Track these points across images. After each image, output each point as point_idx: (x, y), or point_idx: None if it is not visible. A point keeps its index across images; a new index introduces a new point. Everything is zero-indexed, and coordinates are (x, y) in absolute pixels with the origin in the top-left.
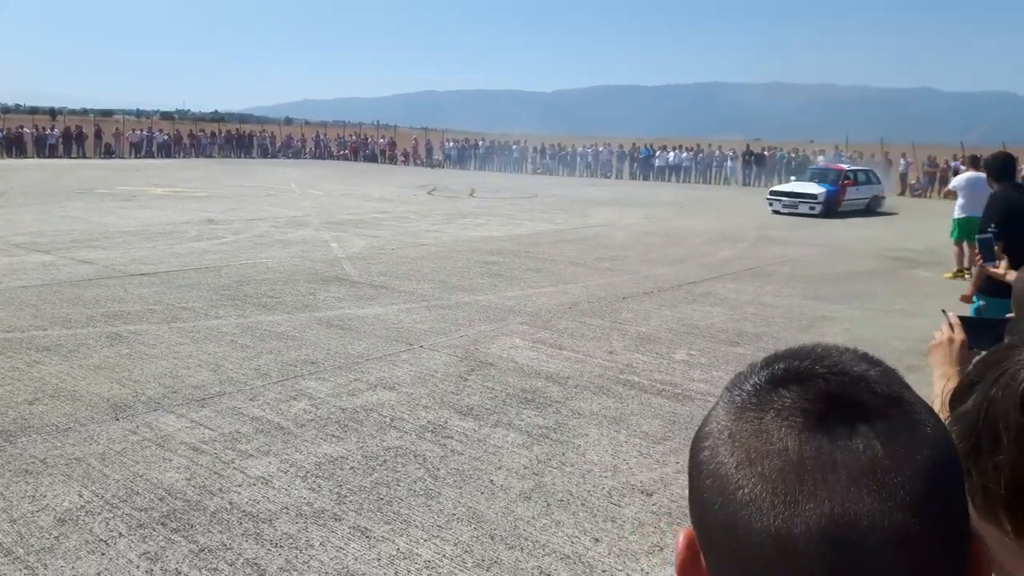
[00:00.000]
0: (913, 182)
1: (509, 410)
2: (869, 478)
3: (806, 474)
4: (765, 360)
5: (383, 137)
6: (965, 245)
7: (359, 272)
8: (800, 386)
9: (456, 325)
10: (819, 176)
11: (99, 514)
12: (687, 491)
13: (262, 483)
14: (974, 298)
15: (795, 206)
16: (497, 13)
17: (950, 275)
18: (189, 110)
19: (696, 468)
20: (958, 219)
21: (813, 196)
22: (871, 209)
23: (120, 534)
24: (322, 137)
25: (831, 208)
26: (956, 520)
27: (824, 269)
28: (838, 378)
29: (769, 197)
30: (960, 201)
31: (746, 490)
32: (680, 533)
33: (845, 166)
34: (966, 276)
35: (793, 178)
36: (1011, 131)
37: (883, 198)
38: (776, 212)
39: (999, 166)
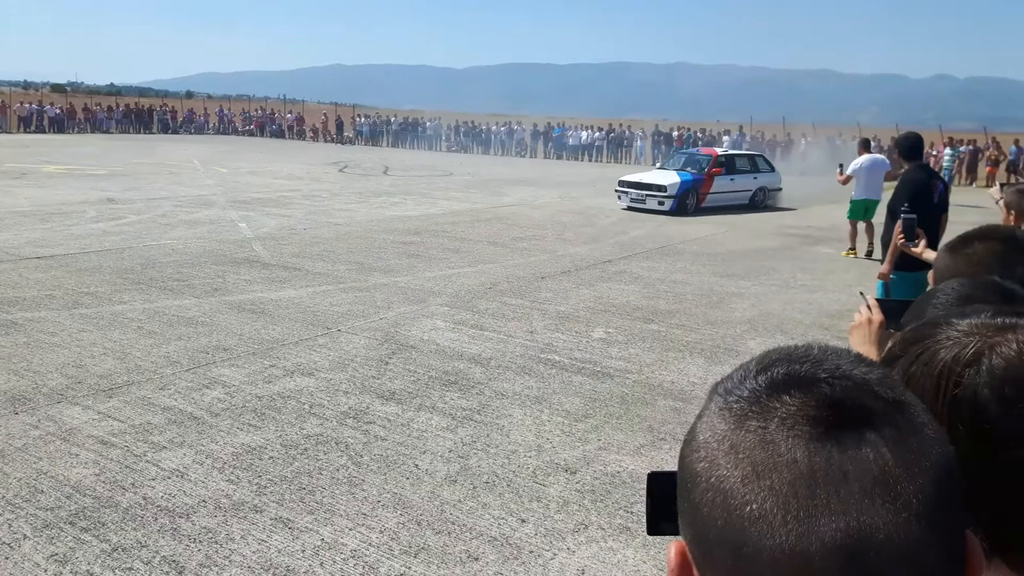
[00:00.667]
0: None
1: (432, 393)
2: (882, 488)
3: (818, 487)
4: (760, 363)
5: (290, 112)
6: (861, 224)
7: (270, 253)
8: (803, 392)
9: (375, 307)
10: (688, 162)
11: (0, 515)
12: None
13: (177, 476)
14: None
15: (642, 200)
16: None
17: (846, 253)
18: (82, 82)
19: (692, 480)
20: (856, 200)
21: (661, 188)
22: (757, 204)
23: (25, 536)
24: (226, 112)
25: (686, 204)
26: (961, 525)
27: (731, 247)
28: (841, 383)
29: (617, 189)
30: (860, 183)
31: (755, 506)
32: (671, 546)
33: (719, 150)
34: (858, 254)
35: (657, 165)
36: (900, 110)
37: (776, 190)
38: (629, 208)
39: (909, 146)
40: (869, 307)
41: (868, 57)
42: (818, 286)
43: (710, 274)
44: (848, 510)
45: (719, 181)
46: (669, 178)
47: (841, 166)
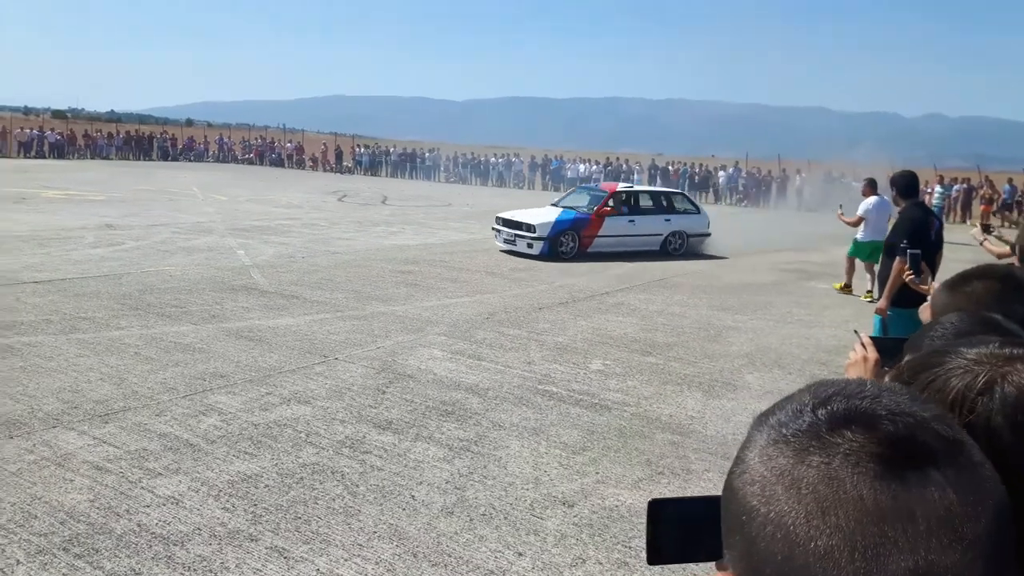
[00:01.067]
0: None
1: (429, 423)
2: (948, 528)
3: (885, 525)
4: (815, 397)
5: (290, 141)
6: (860, 263)
7: (268, 281)
8: (864, 428)
9: (372, 336)
10: (591, 199)
11: None
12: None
13: (172, 503)
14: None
15: (513, 241)
16: (407, 20)
17: (839, 287)
18: (83, 109)
19: (747, 514)
20: (863, 242)
21: (530, 228)
22: (672, 251)
23: (18, 561)
24: (226, 140)
25: (560, 247)
26: (1012, 561)
27: (727, 280)
28: (903, 420)
29: (494, 227)
30: (869, 225)
31: (820, 542)
32: None
33: (621, 186)
34: (854, 293)
35: (552, 202)
36: (894, 148)
37: (702, 236)
38: (506, 250)
39: (906, 184)
40: (864, 345)
41: (861, 95)
42: (814, 321)
43: (707, 307)
44: (916, 549)
45: (612, 222)
46: (543, 217)
47: (841, 206)
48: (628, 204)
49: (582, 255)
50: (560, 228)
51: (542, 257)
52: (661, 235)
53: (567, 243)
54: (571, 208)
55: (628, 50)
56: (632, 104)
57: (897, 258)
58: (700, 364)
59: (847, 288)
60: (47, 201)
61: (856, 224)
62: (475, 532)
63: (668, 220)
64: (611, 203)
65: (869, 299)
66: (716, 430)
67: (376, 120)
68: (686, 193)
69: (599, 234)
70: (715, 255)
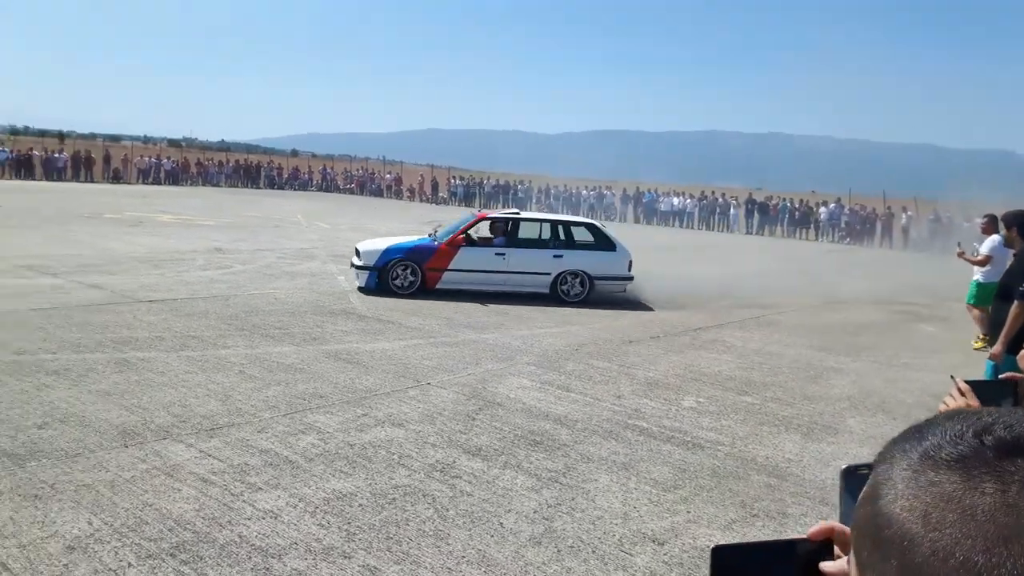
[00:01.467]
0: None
1: (518, 452)
2: None
3: None
4: (971, 424)
5: (389, 172)
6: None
7: (366, 306)
8: None
9: (463, 363)
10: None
11: (108, 543)
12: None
13: (271, 517)
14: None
15: (352, 272)
16: (501, 55)
17: (980, 344)
18: (196, 138)
19: (908, 541)
20: (986, 283)
21: (358, 255)
22: (568, 297)
23: (129, 564)
24: (329, 170)
25: (391, 281)
26: None
27: (829, 319)
28: None
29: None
30: (995, 265)
31: (1003, 571)
32: None
33: (496, 214)
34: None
35: (429, 232)
36: (1009, 186)
37: (618, 280)
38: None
39: (1023, 224)
40: (962, 392)
41: (974, 132)
42: (922, 365)
43: (807, 347)
44: None
45: (470, 254)
46: (376, 244)
47: (960, 243)
48: (502, 234)
49: (426, 292)
50: (391, 257)
51: (368, 291)
52: (549, 274)
53: (403, 276)
54: (429, 237)
55: (725, 84)
56: (729, 137)
57: (1016, 301)
58: (799, 405)
59: (988, 336)
60: (162, 225)
61: (983, 263)
62: (563, 563)
63: (559, 256)
64: (472, 231)
65: (982, 346)
66: (814, 474)
67: (470, 152)
68: (597, 223)
69: (449, 267)
70: (646, 305)
